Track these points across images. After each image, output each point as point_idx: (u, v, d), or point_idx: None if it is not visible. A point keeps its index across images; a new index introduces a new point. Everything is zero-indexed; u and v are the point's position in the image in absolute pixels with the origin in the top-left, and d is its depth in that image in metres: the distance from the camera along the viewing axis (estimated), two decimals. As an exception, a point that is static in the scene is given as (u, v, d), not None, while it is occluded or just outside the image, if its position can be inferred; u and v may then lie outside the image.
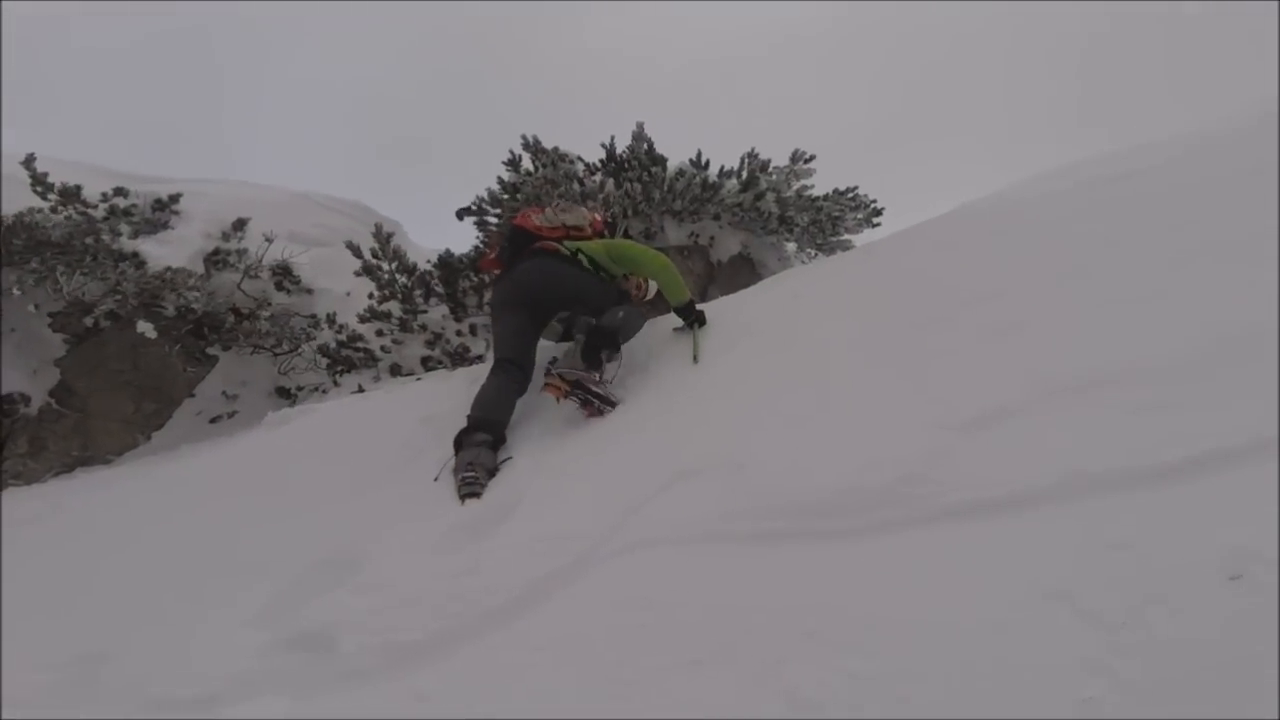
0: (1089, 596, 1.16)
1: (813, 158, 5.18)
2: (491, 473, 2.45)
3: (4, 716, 1.42)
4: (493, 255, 3.24)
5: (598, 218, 3.27)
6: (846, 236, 5.52)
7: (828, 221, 5.34)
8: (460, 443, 2.51)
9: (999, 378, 1.85)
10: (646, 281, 3.21)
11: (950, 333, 2.23)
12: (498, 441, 2.59)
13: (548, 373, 2.60)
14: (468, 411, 2.65)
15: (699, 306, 3.07)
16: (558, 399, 2.60)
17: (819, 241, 5.52)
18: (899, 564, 1.42)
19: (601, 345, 2.65)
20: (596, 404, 2.59)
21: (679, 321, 3.05)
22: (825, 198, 5.31)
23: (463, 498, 2.34)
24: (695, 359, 2.77)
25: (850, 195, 5.37)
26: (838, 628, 1.30)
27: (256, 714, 1.52)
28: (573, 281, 2.92)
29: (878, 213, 5.47)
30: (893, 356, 2.24)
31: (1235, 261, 1.94)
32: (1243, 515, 1.19)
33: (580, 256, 2.98)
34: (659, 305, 4.56)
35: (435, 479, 2.48)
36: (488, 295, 4.71)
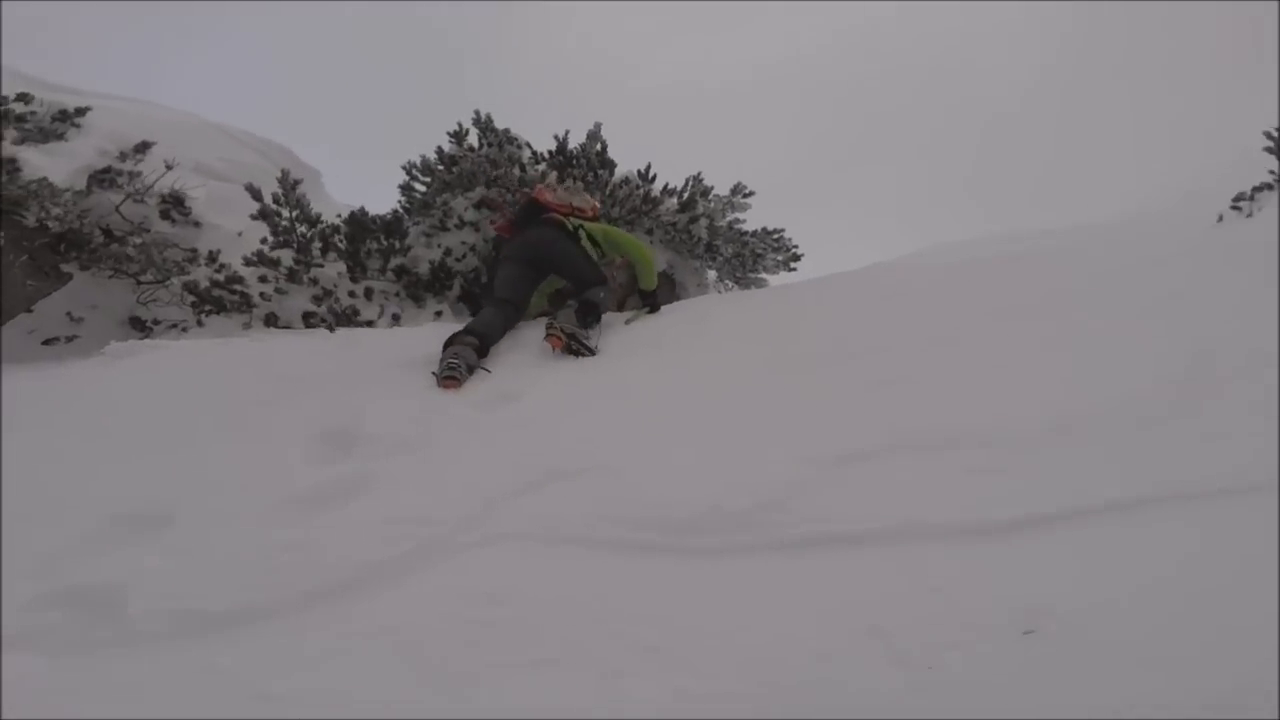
0: (903, 636, 1.22)
1: (751, 193, 5.32)
2: (472, 369, 2.81)
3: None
4: (505, 223, 3.76)
5: (596, 205, 3.94)
6: (763, 275, 5.71)
7: (750, 257, 5.50)
8: (451, 341, 2.87)
9: (865, 425, 1.98)
10: (623, 267, 3.93)
11: (835, 379, 2.38)
12: (483, 351, 2.95)
13: (550, 325, 3.01)
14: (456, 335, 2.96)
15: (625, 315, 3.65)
16: (555, 348, 2.98)
17: (738, 275, 5.67)
18: (746, 588, 1.44)
19: (589, 314, 3.13)
20: (586, 351, 2.99)
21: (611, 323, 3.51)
22: (753, 234, 5.46)
23: (442, 380, 2.70)
24: (626, 322, 3.52)
25: (776, 236, 5.56)
26: (678, 645, 1.29)
27: (7, 672, 1.30)
28: (567, 252, 3.49)
29: (796, 257, 5.69)
30: (779, 391, 2.37)
31: (1072, 352, 2.22)
32: (1045, 574, 1.31)
33: (580, 232, 3.57)
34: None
35: (434, 374, 2.76)
36: (394, 261, 4.48)
